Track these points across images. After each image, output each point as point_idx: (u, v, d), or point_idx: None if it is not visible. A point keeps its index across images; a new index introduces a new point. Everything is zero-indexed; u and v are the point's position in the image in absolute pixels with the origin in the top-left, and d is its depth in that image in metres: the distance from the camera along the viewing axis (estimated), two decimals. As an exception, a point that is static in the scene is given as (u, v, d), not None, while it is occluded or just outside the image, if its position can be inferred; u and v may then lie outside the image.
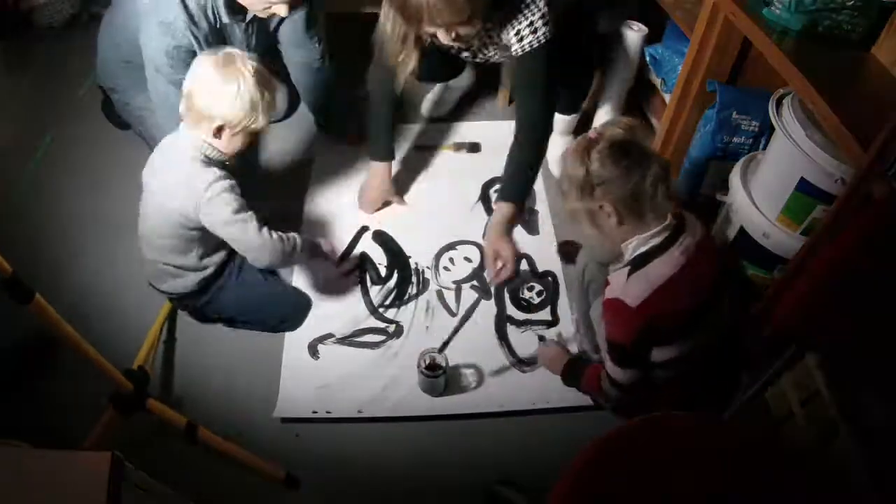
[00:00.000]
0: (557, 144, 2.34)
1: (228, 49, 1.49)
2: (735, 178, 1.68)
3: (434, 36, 1.67)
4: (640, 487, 1.12)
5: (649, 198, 1.31)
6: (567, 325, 1.88)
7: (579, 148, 1.34)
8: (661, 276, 1.32)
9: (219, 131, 1.49)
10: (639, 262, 1.34)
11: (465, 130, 2.51)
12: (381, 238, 2.11)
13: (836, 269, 1.09)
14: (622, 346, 1.38)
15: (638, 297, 1.31)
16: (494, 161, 2.37)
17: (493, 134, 2.47)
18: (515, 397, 1.72)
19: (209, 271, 1.70)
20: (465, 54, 1.96)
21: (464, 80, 2.55)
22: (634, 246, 1.35)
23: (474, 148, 2.40)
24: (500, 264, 1.90)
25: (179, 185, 1.52)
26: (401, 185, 2.25)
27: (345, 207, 2.19)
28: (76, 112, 2.42)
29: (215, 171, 1.52)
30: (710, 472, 1.14)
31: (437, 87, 2.55)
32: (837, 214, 1.28)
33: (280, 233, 1.63)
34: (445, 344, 1.82)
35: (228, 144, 1.53)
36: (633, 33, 2.11)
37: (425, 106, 2.57)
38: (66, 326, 1.09)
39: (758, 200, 1.61)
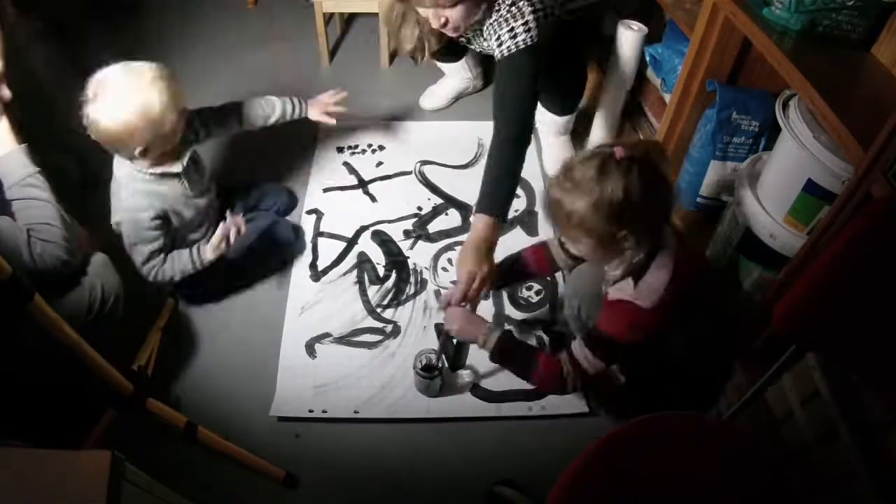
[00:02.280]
0: (554, 145, 2.35)
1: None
2: (741, 179, 1.69)
3: (427, 21, 1.69)
4: (639, 488, 1.12)
5: (663, 227, 1.31)
6: (566, 324, 1.88)
7: (612, 165, 1.22)
8: (663, 279, 1.30)
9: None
10: (637, 271, 1.32)
11: (466, 130, 2.51)
12: (380, 238, 2.11)
13: (837, 268, 1.09)
14: (618, 344, 1.34)
15: (651, 299, 1.29)
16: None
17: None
18: (512, 401, 1.71)
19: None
20: (461, 39, 1.97)
21: (466, 80, 2.56)
22: (629, 258, 1.32)
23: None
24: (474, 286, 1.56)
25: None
26: (401, 184, 2.25)
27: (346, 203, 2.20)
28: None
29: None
30: (710, 472, 1.14)
31: (441, 80, 2.59)
32: (837, 214, 1.28)
33: (164, 259, 1.71)
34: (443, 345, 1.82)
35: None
36: (633, 33, 2.11)
37: (424, 99, 2.62)
38: (65, 327, 1.09)
39: (764, 201, 1.61)
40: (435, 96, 2.62)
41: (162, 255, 1.70)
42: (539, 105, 2.19)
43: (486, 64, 2.61)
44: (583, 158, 1.27)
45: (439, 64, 2.48)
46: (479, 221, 1.60)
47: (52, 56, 2.02)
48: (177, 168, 1.66)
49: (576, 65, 2.18)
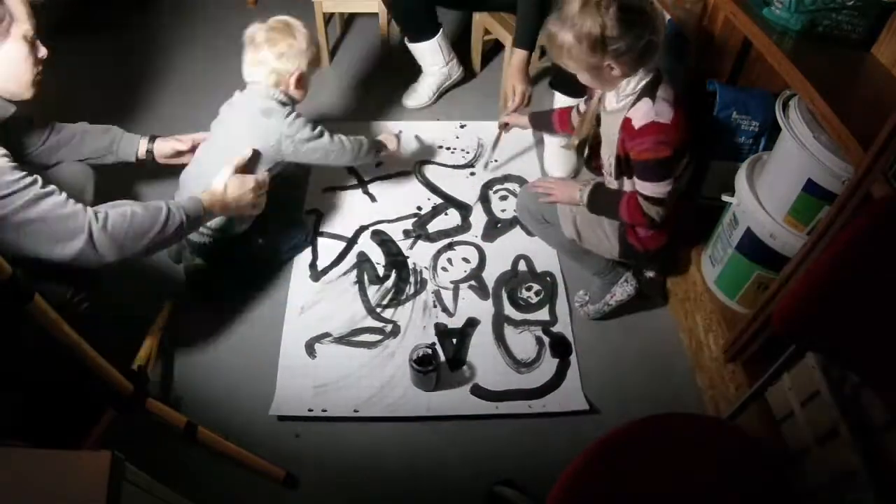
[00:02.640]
0: (556, 144, 2.35)
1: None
2: (741, 178, 1.68)
3: None
4: (639, 488, 1.12)
5: (652, 54, 1.45)
6: (564, 325, 1.88)
7: (591, 3, 1.39)
8: (672, 94, 1.49)
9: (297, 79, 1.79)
10: (647, 91, 1.49)
11: (466, 130, 2.51)
12: (380, 238, 2.11)
13: (837, 269, 1.09)
14: (664, 160, 1.50)
15: (668, 114, 1.47)
16: (495, 162, 2.39)
17: (495, 135, 2.48)
18: (512, 400, 1.72)
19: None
20: None
21: (441, 68, 2.59)
22: (637, 81, 1.49)
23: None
24: (515, 99, 2.15)
25: (256, 127, 1.76)
26: (401, 184, 2.25)
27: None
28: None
29: (288, 108, 1.80)
30: (710, 472, 1.14)
31: (421, 77, 2.62)
32: (837, 214, 1.28)
33: (347, 137, 1.94)
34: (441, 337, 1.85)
35: (297, 91, 1.82)
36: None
37: (408, 98, 2.64)
38: (65, 327, 1.09)
39: (764, 201, 1.61)
40: (417, 94, 2.63)
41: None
42: (550, 89, 2.31)
43: (459, 49, 2.68)
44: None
45: (414, 48, 2.51)
46: (515, 54, 2.15)
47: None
48: None
49: None
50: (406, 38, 2.51)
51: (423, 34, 2.47)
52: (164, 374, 1.74)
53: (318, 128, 1.86)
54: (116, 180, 1.98)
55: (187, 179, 1.84)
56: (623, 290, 1.83)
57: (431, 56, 2.53)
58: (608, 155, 1.64)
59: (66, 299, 1.46)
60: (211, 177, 1.70)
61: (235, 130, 1.78)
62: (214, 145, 1.82)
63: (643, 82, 1.49)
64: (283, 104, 1.78)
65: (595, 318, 1.90)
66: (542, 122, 2.03)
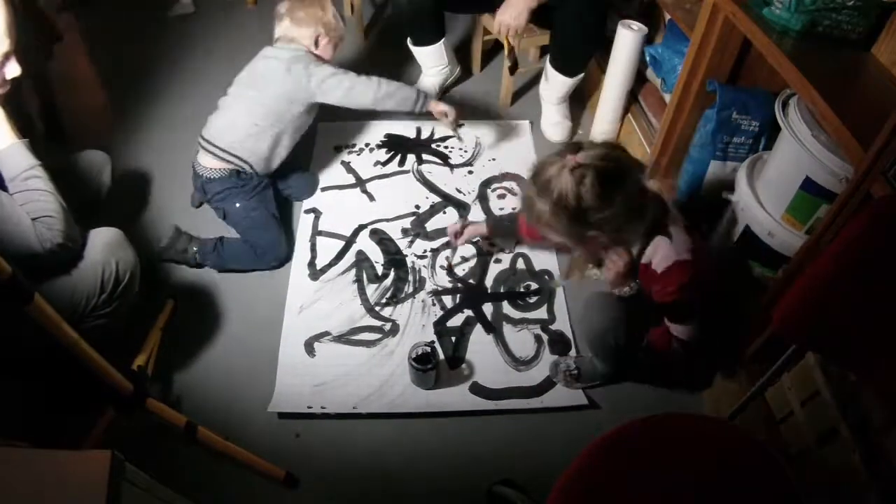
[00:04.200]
0: (553, 112, 2.39)
1: None
2: (741, 177, 1.69)
3: None
4: (639, 487, 1.12)
5: (639, 215, 1.33)
6: (563, 323, 1.88)
7: (568, 170, 1.26)
8: (683, 229, 1.38)
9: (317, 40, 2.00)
10: (656, 229, 1.37)
11: (464, 130, 2.51)
12: (378, 236, 2.11)
13: (837, 269, 1.09)
14: (691, 301, 1.40)
15: (686, 248, 1.36)
16: (493, 161, 2.39)
17: (494, 134, 2.48)
18: (511, 398, 1.72)
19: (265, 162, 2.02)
20: None
21: (443, 69, 2.58)
22: (646, 222, 1.36)
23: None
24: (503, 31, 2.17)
25: (284, 74, 1.93)
26: (399, 183, 2.25)
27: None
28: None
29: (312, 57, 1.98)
30: (710, 472, 1.14)
31: (422, 78, 2.62)
32: (837, 214, 1.28)
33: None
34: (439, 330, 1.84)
35: (324, 51, 2.03)
36: (633, 33, 2.11)
37: None
38: (65, 327, 1.09)
39: (763, 199, 1.62)
40: None
41: None
42: (548, 66, 2.36)
43: (459, 49, 2.68)
44: (548, 160, 1.32)
45: (417, 51, 2.51)
46: None
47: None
48: None
49: (599, 13, 2.21)
50: (410, 42, 2.50)
51: (429, 39, 2.46)
52: (164, 373, 1.74)
53: (343, 70, 1.98)
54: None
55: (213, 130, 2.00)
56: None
57: (434, 59, 2.53)
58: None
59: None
60: (238, 126, 1.95)
61: (263, 74, 1.98)
62: (241, 94, 2.00)
63: (649, 223, 1.36)
64: (307, 55, 1.97)
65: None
66: (504, 229, 1.91)
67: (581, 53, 2.31)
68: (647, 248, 1.40)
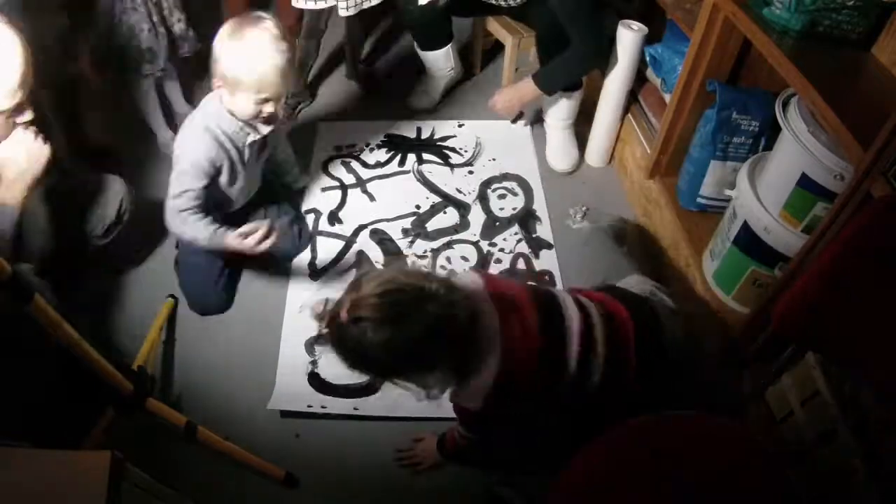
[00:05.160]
0: (558, 139, 2.36)
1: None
2: (742, 174, 1.69)
3: None
4: (639, 487, 1.12)
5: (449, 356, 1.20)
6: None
7: (345, 330, 1.12)
8: (487, 381, 1.21)
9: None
10: (461, 375, 1.25)
11: (464, 129, 2.51)
12: (379, 236, 2.11)
13: (836, 268, 1.09)
14: (477, 420, 1.38)
15: (475, 401, 1.26)
16: (493, 161, 2.39)
17: (493, 134, 2.48)
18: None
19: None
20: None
21: (449, 71, 2.58)
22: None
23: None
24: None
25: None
26: (400, 183, 2.25)
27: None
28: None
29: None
30: (710, 472, 1.14)
31: (427, 80, 2.62)
32: (837, 214, 1.28)
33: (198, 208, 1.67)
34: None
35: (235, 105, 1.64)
36: (633, 33, 2.10)
37: (415, 98, 2.64)
38: (66, 327, 1.09)
39: (762, 196, 1.62)
40: (427, 96, 2.62)
41: (197, 203, 1.66)
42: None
43: (460, 49, 2.67)
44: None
45: (425, 56, 2.50)
46: (530, 85, 2.17)
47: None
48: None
49: (595, 19, 2.12)
50: (419, 47, 2.49)
51: (439, 43, 2.46)
52: (164, 373, 1.74)
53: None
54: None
55: None
56: None
57: (442, 62, 2.52)
58: None
59: None
60: None
61: None
62: None
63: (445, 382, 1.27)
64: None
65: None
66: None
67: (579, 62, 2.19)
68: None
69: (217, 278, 1.87)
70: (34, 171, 1.40)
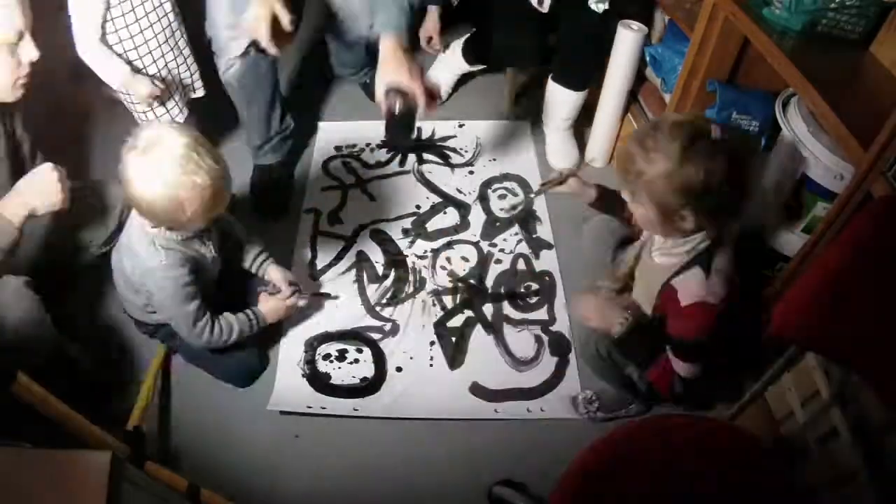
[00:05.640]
0: (558, 139, 2.36)
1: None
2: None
3: None
4: (639, 488, 1.12)
5: (732, 219, 1.29)
6: (563, 323, 1.88)
7: (700, 146, 1.17)
8: (729, 270, 1.29)
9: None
10: (704, 258, 1.29)
11: (468, 130, 2.51)
12: (379, 237, 2.11)
13: (836, 268, 1.09)
14: (700, 343, 1.32)
15: (720, 294, 1.27)
16: (494, 161, 2.39)
17: (494, 134, 2.48)
18: (511, 399, 1.72)
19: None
20: None
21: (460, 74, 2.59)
22: (696, 242, 1.29)
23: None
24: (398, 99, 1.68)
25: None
26: (400, 183, 2.25)
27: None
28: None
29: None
30: (710, 472, 1.14)
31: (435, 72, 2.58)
32: (838, 214, 1.28)
33: (218, 320, 1.57)
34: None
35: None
36: (633, 33, 2.10)
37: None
38: (53, 401, 1.07)
39: (762, 195, 1.62)
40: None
41: (207, 314, 1.54)
42: (550, 85, 2.27)
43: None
44: (675, 122, 1.21)
45: (463, 67, 2.53)
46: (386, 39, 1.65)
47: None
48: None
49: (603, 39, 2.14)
50: (468, 62, 2.51)
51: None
52: (161, 420, 1.65)
53: None
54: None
55: None
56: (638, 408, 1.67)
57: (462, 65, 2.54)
58: (643, 301, 1.47)
59: None
60: None
61: None
62: None
63: (702, 245, 1.29)
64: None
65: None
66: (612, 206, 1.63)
67: (591, 64, 2.22)
68: (682, 272, 1.31)
69: (247, 355, 1.73)
70: (38, 207, 1.38)
